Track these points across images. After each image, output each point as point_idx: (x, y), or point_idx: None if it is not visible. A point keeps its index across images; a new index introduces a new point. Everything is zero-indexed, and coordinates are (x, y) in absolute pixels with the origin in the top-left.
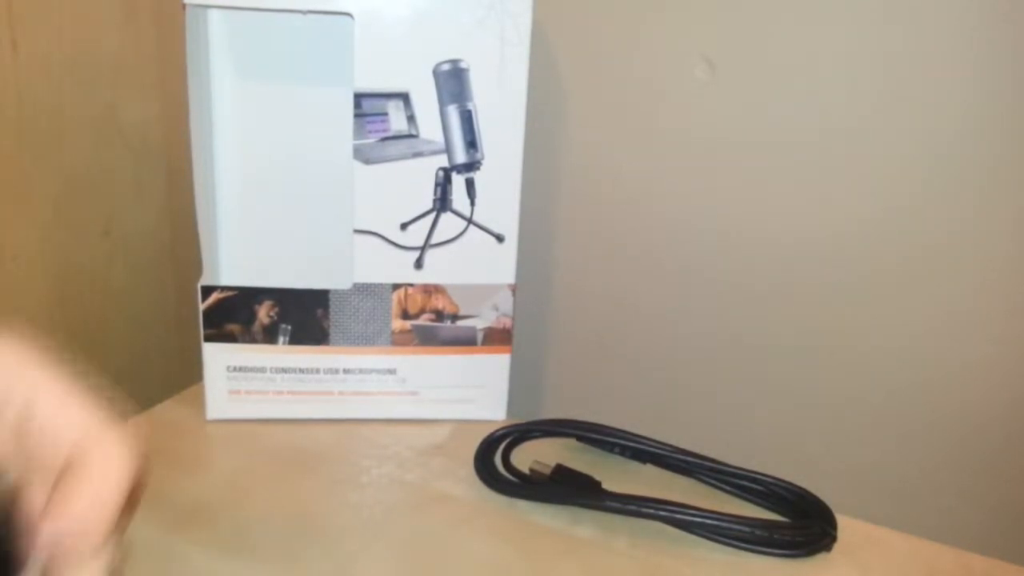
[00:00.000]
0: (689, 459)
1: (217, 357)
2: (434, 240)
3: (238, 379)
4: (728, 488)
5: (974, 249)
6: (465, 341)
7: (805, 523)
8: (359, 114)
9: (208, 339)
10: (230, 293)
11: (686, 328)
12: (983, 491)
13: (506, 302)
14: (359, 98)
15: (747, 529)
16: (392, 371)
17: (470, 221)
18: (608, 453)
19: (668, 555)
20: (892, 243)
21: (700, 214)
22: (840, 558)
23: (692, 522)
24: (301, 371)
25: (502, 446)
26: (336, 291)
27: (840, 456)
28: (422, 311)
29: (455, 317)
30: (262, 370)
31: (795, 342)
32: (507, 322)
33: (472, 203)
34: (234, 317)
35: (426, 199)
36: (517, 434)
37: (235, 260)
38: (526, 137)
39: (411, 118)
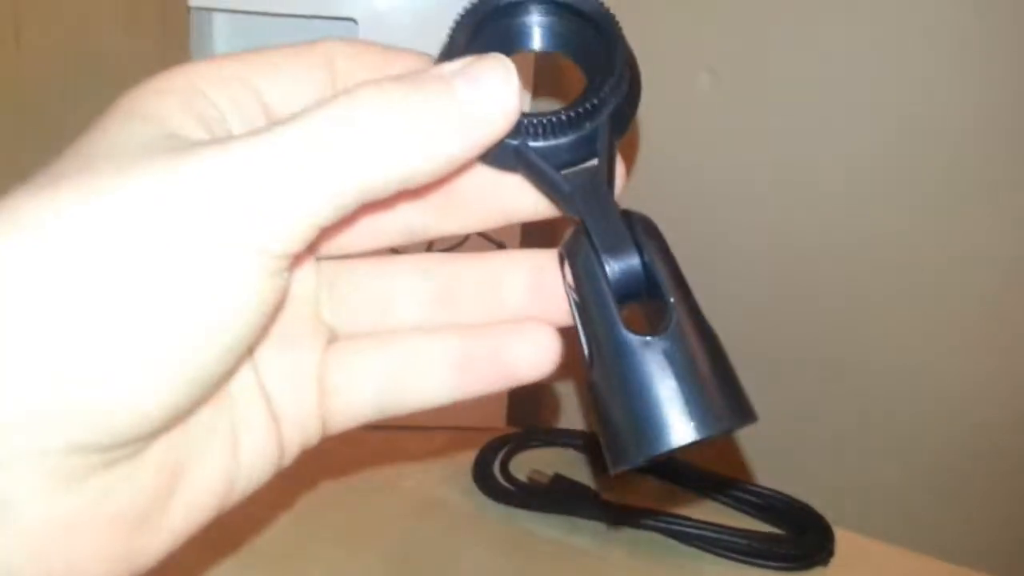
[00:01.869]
0: (687, 471)
1: None
2: (434, 247)
3: None
4: (726, 500)
5: (976, 261)
6: None
7: (802, 536)
8: None
9: None
10: None
11: None
12: (982, 506)
13: None
14: None
15: (744, 542)
16: None
17: None
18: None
19: (665, 566)
20: (893, 255)
21: (700, 221)
22: (837, 572)
23: (690, 534)
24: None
25: (500, 454)
26: None
27: (838, 470)
28: None
29: None
30: None
31: (794, 355)
32: None
33: None
34: None
35: None
36: (516, 443)
37: None
38: None
39: None
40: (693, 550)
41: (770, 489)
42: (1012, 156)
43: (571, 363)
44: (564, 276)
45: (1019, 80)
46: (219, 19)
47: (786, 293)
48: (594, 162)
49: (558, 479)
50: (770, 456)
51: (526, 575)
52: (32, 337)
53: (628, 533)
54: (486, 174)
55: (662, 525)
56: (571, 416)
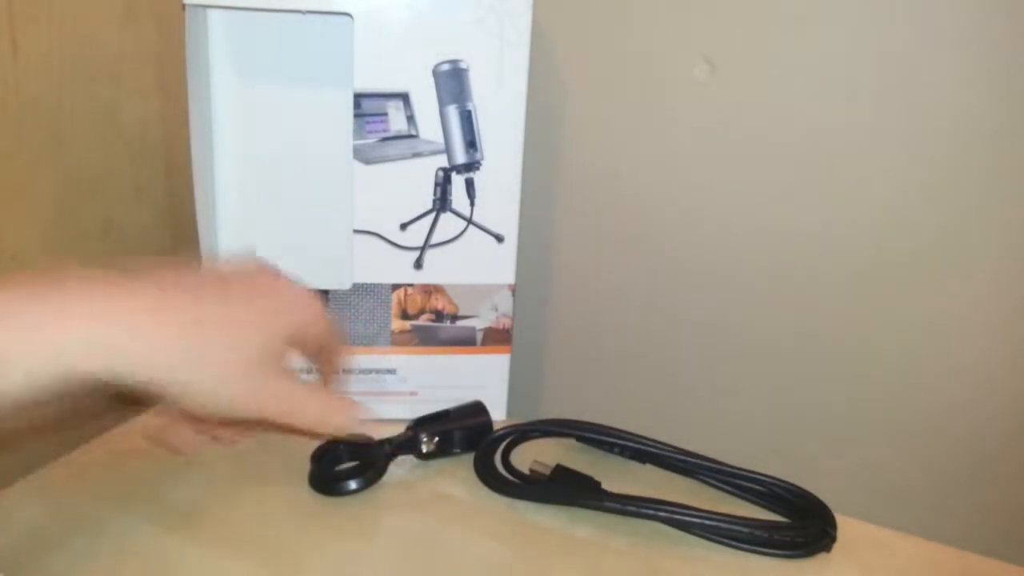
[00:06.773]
0: (689, 459)
1: None
2: (434, 240)
3: None
4: (728, 488)
5: (974, 247)
6: (465, 341)
7: (805, 523)
8: (359, 114)
9: None
10: None
11: (686, 328)
12: (983, 491)
13: (506, 302)
14: (359, 98)
15: (746, 530)
16: (392, 371)
17: (470, 221)
18: (608, 453)
19: (667, 555)
20: (891, 241)
21: (700, 214)
22: (840, 558)
23: (691, 522)
24: (300, 371)
25: (502, 446)
26: (336, 291)
27: (840, 456)
28: (422, 311)
29: (455, 317)
30: None
31: (795, 342)
32: (507, 322)
33: (472, 203)
34: None
35: (426, 199)
36: (517, 434)
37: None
38: (526, 137)
39: (411, 118)
40: (695, 539)
41: (772, 476)
42: (1011, 142)
43: (575, 355)
44: None
45: (1018, 76)
46: (214, 15)
47: (786, 282)
48: None
49: (559, 470)
50: (772, 443)
51: (529, 566)
52: None
53: (630, 523)
54: None
55: (663, 514)
56: (571, 407)
